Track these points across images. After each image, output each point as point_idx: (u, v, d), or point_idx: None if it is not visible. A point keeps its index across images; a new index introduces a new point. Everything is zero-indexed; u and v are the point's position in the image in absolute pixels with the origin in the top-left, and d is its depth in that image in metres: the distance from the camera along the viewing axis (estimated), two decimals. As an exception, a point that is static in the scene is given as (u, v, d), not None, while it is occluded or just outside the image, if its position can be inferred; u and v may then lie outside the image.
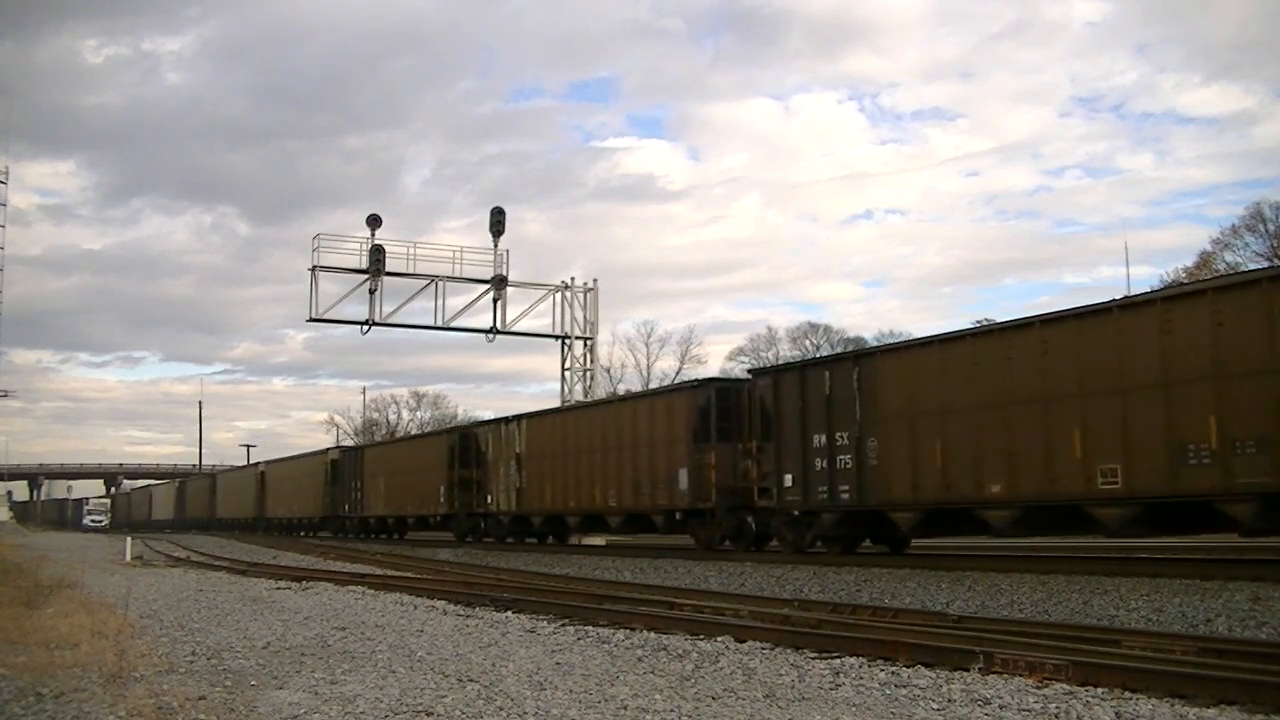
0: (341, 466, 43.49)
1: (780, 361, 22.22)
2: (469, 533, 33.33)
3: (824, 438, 19.31)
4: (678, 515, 23.31)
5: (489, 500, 31.32)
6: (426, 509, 35.46)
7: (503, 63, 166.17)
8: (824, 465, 19.24)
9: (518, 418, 31.00)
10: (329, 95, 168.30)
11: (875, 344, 24.44)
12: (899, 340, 21.79)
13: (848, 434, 18.91)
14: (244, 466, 66.70)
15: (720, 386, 23.48)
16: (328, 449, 50.14)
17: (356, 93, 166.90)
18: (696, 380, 26.31)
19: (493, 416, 35.71)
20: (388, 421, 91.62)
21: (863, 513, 18.95)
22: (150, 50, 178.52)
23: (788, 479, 20.03)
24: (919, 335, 17.63)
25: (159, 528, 79.00)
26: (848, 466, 18.88)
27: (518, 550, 29.04)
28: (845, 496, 18.89)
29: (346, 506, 42.33)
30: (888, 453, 18.23)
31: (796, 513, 20.05)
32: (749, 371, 25.16)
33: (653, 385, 64.88)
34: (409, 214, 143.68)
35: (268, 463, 59.37)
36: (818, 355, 23.42)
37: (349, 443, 72.44)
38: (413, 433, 78.17)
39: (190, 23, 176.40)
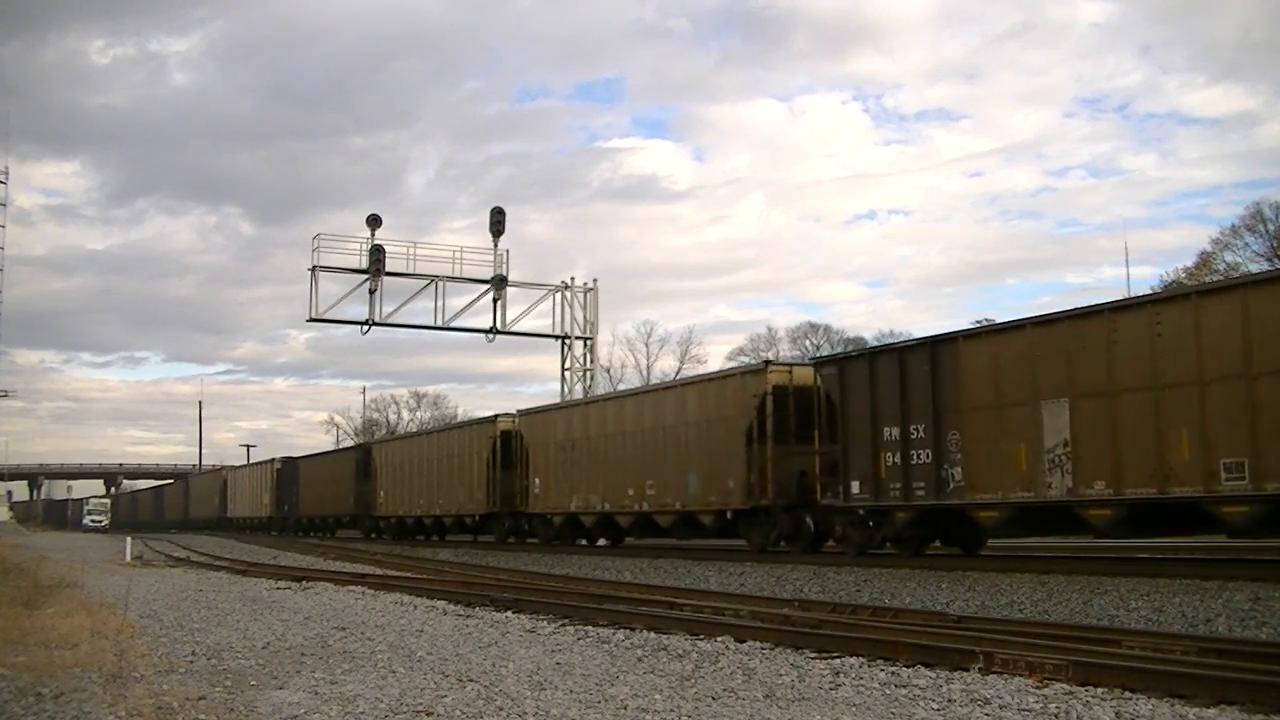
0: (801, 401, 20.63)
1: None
2: None
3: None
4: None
5: None
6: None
7: (508, 63, 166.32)
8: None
9: None
10: (334, 96, 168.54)
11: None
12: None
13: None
14: (462, 423, 41.72)
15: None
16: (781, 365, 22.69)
17: (361, 93, 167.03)
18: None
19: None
20: (388, 422, 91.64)
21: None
22: (156, 51, 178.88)
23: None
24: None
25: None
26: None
27: (517, 550, 29.05)
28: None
29: (843, 489, 19.11)
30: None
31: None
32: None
33: (652, 383, 64.76)
34: (413, 214, 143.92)
35: (526, 414, 31.09)
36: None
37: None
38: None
39: (196, 23, 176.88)
